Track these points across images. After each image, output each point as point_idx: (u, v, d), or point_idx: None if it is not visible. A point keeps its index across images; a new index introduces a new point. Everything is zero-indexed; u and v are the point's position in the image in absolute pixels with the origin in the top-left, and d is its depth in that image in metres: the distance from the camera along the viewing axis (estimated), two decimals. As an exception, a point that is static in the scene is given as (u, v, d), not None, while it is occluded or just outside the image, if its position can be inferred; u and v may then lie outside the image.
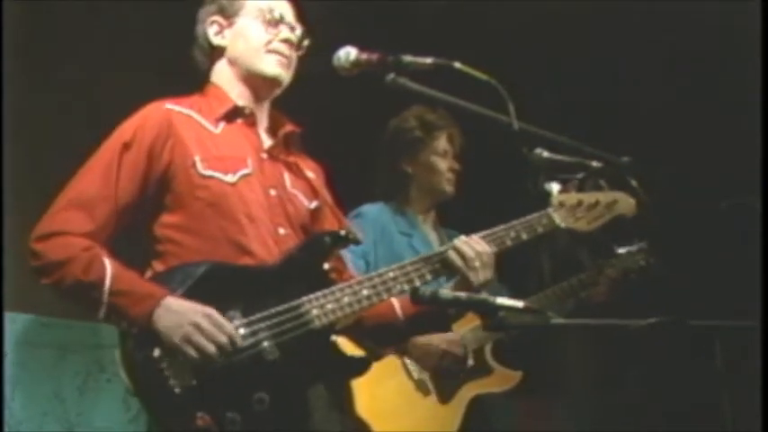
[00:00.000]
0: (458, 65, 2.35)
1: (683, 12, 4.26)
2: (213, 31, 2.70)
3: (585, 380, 4.80)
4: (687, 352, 3.13)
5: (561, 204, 2.75)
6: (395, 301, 2.68)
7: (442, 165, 3.79)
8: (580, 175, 2.73)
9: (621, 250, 3.82)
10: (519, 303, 2.24)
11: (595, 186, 2.76)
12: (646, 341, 2.49)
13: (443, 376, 3.53)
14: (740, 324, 2.32)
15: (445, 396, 3.54)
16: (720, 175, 3.71)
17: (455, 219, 3.72)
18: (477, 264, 2.61)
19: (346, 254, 3.52)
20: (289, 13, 2.73)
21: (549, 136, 2.41)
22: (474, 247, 2.63)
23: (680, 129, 4.38)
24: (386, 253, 3.55)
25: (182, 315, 2.35)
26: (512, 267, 3.89)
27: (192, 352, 2.34)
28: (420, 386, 3.52)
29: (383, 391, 3.44)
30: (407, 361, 3.52)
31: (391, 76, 2.41)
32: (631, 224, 2.78)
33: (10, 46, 3.56)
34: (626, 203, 2.82)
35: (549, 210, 2.76)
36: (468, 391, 3.58)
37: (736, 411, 2.26)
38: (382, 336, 2.81)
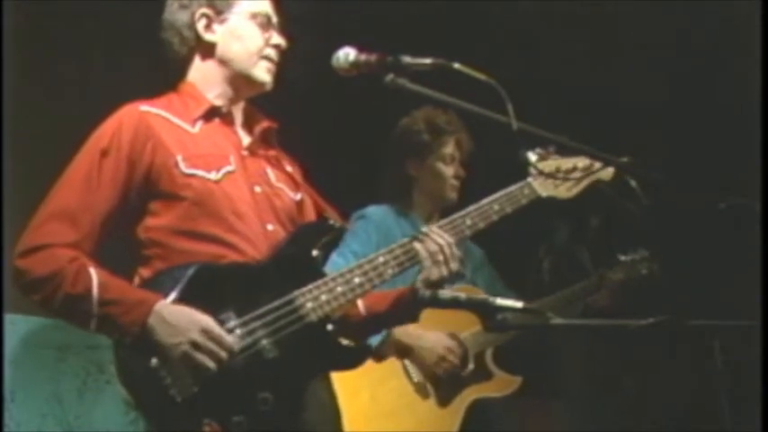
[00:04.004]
0: (457, 65, 2.34)
1: (683, 11, 4.26)
2: (203, 25, 2.62)
3: (585, 380, 4.80)
4: (687, 352, 3.13)
5: (540, 172, 2.73)
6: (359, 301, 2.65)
7: (448, 171, 3.77)
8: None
9: (624, 258, 3.83)
10: (518, 304, 2.24)
11: (572, 151, 2.74)
12: (645, 341, 2.49)
13: (441, 381, 3.52)
14: (740, 324, 2.32)
15: (445, 399, 3.54)
16: (720, 175, 3.70)
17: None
18: (440, 258, 2.56)
19: (349, 256, 3.53)
20: (273, 14, 2.69)
21: (548, 136, 2.41)
22: (437, 240, 2.58)
23: (680, 129, 4.37)
24: None
25: (177, 329, 2.31)
26: (512, 268, 3.90)
27: (193, 368, 2.30)
28: (420, 389, 3.52)
29: (383, 392, 3.44)
30: (407, 363, 3.51)
31: (390, 76, 2.40)
32: (633, 226, 2.78)
33: (9, 46, 3.55)
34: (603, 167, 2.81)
35: (529, 179, 2.76)
36: (468, 395, 3.58)
37: (735, 411, 2.26)
38: (348, 333, 2.72)
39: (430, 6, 4.43)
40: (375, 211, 3.72)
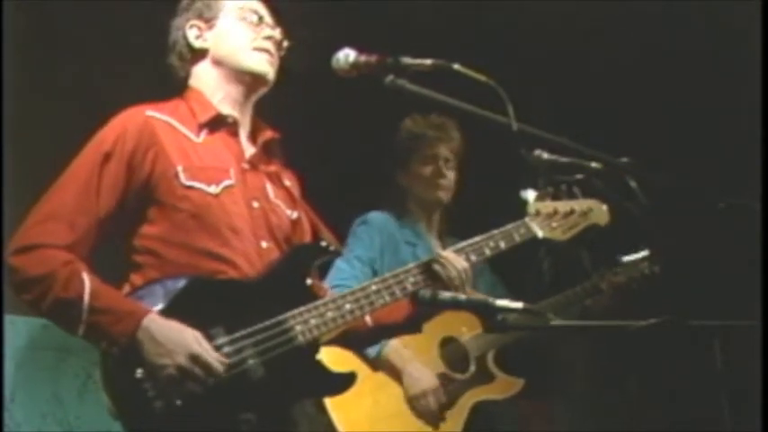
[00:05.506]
0: (457, 66, 2.34)
1: (682, 11, 4.26)
2: (193, 35, 2.65)
3: (586, 381, 4.80)
4: (687, 352, 3.13)
5: (537, 213, 2.79)
6: None
7: (427, 171, 3.77)
8: (561, 183, 2.78)
9: (626, 259, 3.82)
10: (519, 304, 2.24)
11: (570, 194, 2.80)
12: (646, 342, 2.49)
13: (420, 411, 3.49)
14: (740, 324, 2.32)
15: (447, 402, 3.52)
16: (720, 175, 3.71)
17: (459, 223, 3.73)
18: (457, 283, 2.63)
19: (354, 262, 3.52)
20: (266, 13, 2.69)
21: (548, 137, 2.41)
22: (455, 265, 2.65)
23: (680, 129, 4.37)
24: (392, 261, 3.54)
25: (165, 349, 2.28)
26: (511, 269, 3.90)
27: (178, 391, 2.28)
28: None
29: (385, 396, 3.44)
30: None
31: (390, 77, 2.39)
32: (633, 226, 2.79)
33: (10, 46, 3.56)
34: (599, 212, 2.92)
35: (526, 219, 2.80)
36: (470, 398, 3.57)
37: (735, 411, 2.26)
38: (351, 342, 2.78)
39: (430, 6, 4.43)
40: (377, 216, 3.73)
